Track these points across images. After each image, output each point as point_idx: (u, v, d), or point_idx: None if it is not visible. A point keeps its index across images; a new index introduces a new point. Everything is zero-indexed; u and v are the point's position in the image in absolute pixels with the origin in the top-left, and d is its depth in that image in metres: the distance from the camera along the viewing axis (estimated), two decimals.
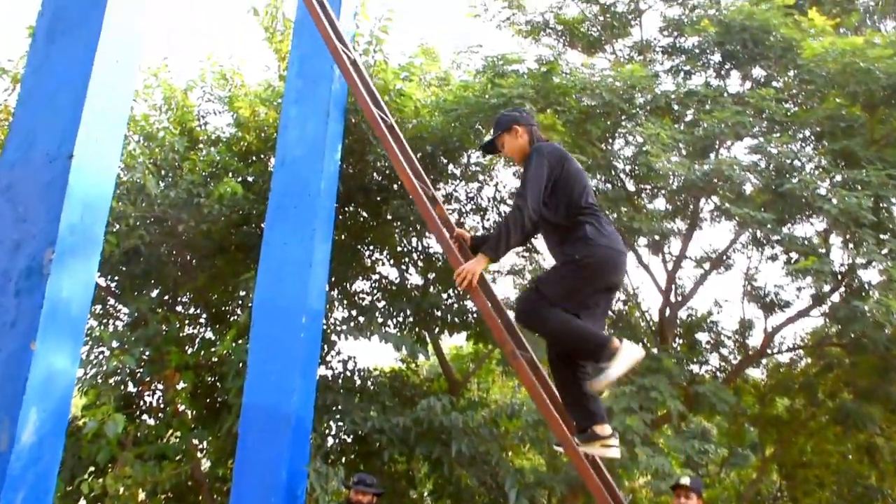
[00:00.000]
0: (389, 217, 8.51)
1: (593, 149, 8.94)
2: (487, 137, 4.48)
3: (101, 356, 7.94)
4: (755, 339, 10.56)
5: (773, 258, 9.64)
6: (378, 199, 8.59)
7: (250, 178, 8.30)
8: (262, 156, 8.54)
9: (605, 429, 3.53)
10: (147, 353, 7.82)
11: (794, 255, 8.66)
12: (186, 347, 8.53)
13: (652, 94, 8.86)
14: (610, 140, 9.48)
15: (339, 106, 6.24)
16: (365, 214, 9.07)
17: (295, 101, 6.25)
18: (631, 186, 9.59)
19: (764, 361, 11.25)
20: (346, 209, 8.81)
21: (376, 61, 7.81)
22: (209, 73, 9.01)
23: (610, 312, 10.41)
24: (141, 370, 8.02)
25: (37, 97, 3.76)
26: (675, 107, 9.11)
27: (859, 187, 7.64)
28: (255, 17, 8.12)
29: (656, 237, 9.17)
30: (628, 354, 3.47)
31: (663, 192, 9.54)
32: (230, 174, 8.08)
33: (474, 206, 9.41)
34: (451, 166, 8.91)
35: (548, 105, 8.34)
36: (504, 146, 4.12)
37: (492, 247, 3.66)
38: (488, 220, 9.41)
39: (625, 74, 8.53)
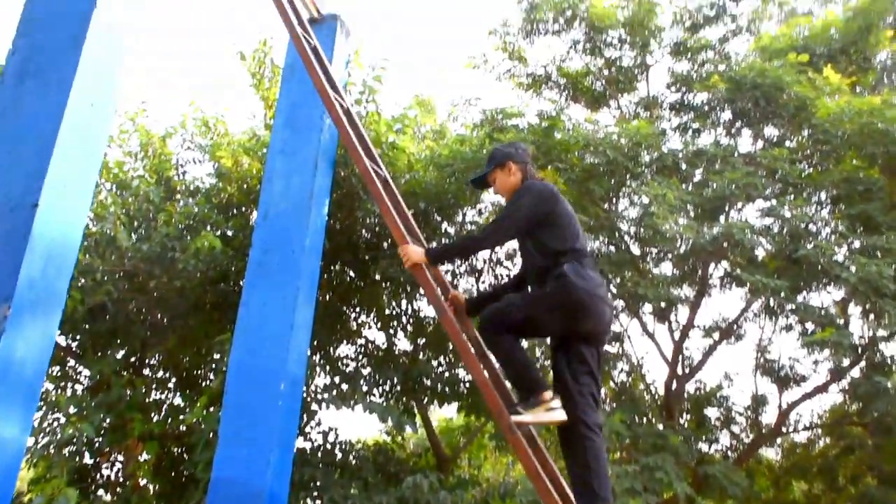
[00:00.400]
0: (378, 277, 8.44)
1: (596, 209, 8.96)
2: (479, 171, 4.49)
3: (55, 423, 7.74)
4: (769, 416, 10.45)
5: (788, 328, 9.59)
6: (367, 258, 8.53)
7: (230, 233, 8.24)
8: (244, 209, 8.49)
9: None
10: (108, 420, 7.62)
11: (809, 326, 8.62)
12: (152, 415, 8.33)
13: (658, 152, 8.92)
14: (614, 200, 9.51)
15: (327, 158, 6.21)
16: (352, 274, 9.00)
17: (281, 151, 6.21)
18: (636, 249, 9.58)
19: (779, 441, 11.11)
20: (332, 268, 8.73)
21: (369, 112, 7.83)
22: (190, 119, 9.03)
23: (612, 384, 10.36)
24: (100, 439, 7.80)
25: (2, 143, 3.70)
26: (683, 166, 9.18)
27: (879, 254, 7.65)
28: (242, 63, 8.17)
29: (662, 304, 9.13)
30: (548, 415, 3.58)
31: (670, 256, 9.53)
32: (208, 227, 8.01)
33: (469, 267, 9.35)
34: (445, 224, 8.88)
35: (549, 162, 8.37)
36: (495, 182, 4.16)
37: (436, 252, 3.95)
38: (483, 282, 9.35)
39: (630, 131, 8.60)
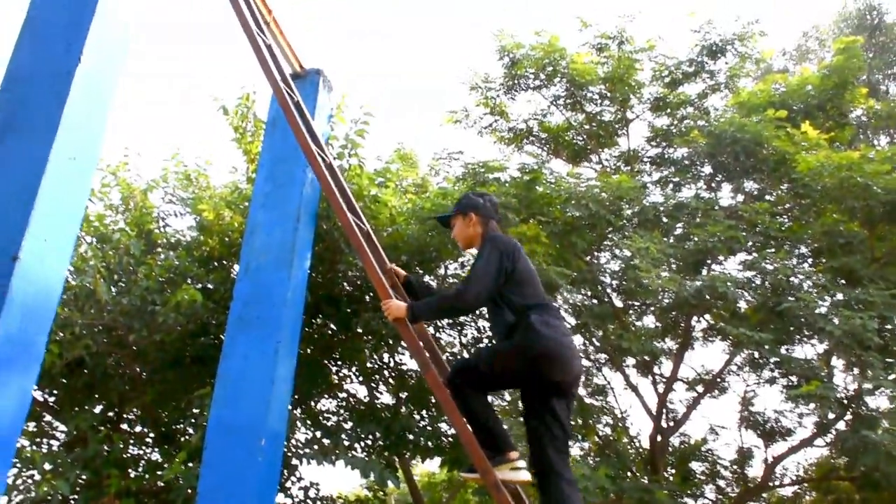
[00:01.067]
0: (360, 331, 8.42)
1: (578, 261, 9.02)
2: (446, 212, 4.65)
3: (30, 481, 7.58)
4: (755, 470, 10.43)
5: (772, 381, 9.61)
6: (348, 310, 8.51)
7: (210, 286, 8.20)
8: (225, 262, 8.47)
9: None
10: (84, 476, 7.47)
11: (794, 379, 8.64)
12: (129, 470, 8.18)
13: (640, 205, 9.02)
14: (596, 253, 9.58)
15: (309, 211, 6.24)
16: (333, 327, 8.96)
17: (263, 205, 6.24)
18: (618, 302, 9.62)
19: (765, 495, 11.03)
20: (314, 321, 8.70)
21: (351, 165, 7.89)
22: (172, 173, 9.05)
23: (596, 437, 10.31)
24: (75, 497, 7.64)
25: None
26: (665, 219, 9.27)
27: (862, 307, 7.71)
28: (225, 117, 8.22)
29: (646, 357, 9.14)
30: (513, 474, 3.65)
31: (653, 309, 9.57)
32: (189, 280, 7.98)
33: (453, 321, 9.34)
34: (427, 277, 8.90)
35: (531, 215, 8.44)
36: (454, 227, 4.26)
37: (417, 310, 3.94)
38: (465, 335, 9.34)
39: (612, 185, 8.70)
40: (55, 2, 4.06)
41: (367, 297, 8.35)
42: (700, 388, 10.30)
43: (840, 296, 8.04)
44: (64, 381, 8.11)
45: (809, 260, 9.24)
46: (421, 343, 3.99)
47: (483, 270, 3.82)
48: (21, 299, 3.55)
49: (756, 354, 8.82)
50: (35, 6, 4.09)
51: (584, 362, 10.76)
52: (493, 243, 3.92)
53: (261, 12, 5.54)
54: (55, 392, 8.39)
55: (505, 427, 3.84)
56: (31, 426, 8.47)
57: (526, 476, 3.66)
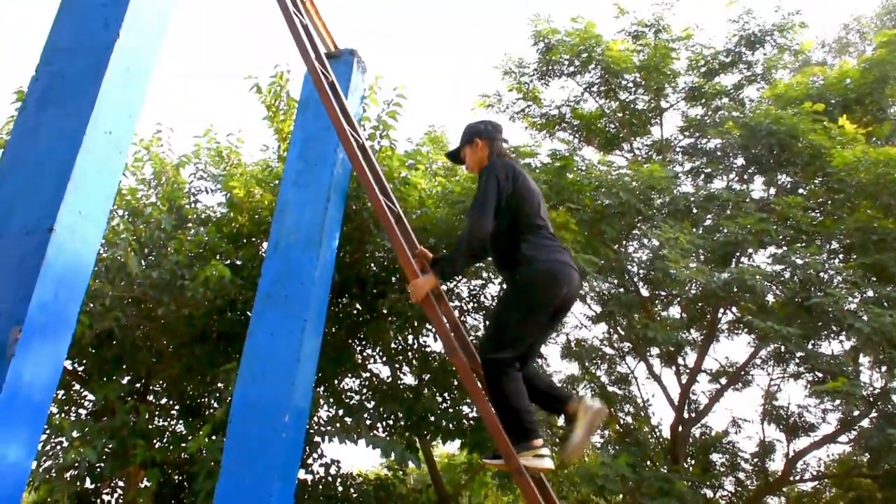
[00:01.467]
0: (385, 312, 8.46)
1: (607, 250, 8.97)
2: (452, 147, 4.70)
3: (58, 447, 7.73)
4: (776, 464, 10.37)
5: (797, 376, 9.54)
6: (374, 291, 8.55)
7: (239, 262, 8.28)
8: (254, 239, 8.54)
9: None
10: (110, 445, 7.61)
11: (819, 375, 8.57)
12: (155, 441, 8.32)
13: (671, 195, 8.95)
14: (624, 242, 9.53)
15: (339, 191, 6.27)
16: (359, 307, 9.01)
17: (294, 183, 6.27)
18: (645, 292, 9.58)
19: (785, 489, 10.98)
20: (340, 301, 8.76)
21: (382, 147, 7.90)
22: (204, 149, 9.12)
23: (618, 427, 10.30)
24: (102, 465, 7.78)
25: (20, 166, 3.75)
26: (695, 210, 9.20)
27: (892, 305, 7.61)
28: (258, 96, 8.26)
29: (670, 347, 9.10)
30: (537, 462, 3.68)
31: (679, 299, 9.52)
32: (218, 257, 8.06)
33: (476, 304, 9.36)
34: None
35: (561, 202, 8.41)
36: (466, 158, 4.39)
37: (442, 268, 4.02)
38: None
39: (643, 174, 8.63)
40: None
41: (394, 279, 8.38)
42: (723, 381, 10.25)
43: (870, 293, 7.94)
44: (93, 351, 8.25)
45: (840, 256, 9.12)
46: (447, 324, 4.00)
47: (483, 199, 3.94)
48: (55, 270, 3.61)
49: (782, 349, 8.76)
50: None
51: (609, 350, 10.76)
52: (490, 169, 4.04)
53: None
54: (84, 362, 8.53)
55: (532, 412, 3.84)
56: (61, 394, 8.63)
57: (549, 464, 3.69)
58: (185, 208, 8.78)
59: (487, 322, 3.65)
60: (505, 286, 4.04)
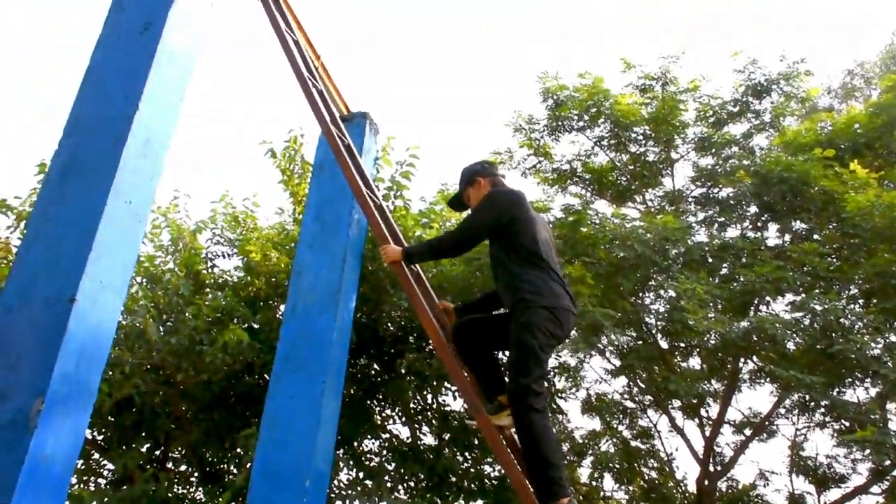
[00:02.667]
0: (403, 371, 8.42)
1: (624, 303, 8.94)
2: (454, 194, 4.80)
3: None
4: None
5: (823, 425, 9.38)
6: (392, 351, 8.53)
7: (256, 326, 8.29)
8: (272, 302, 8.57)
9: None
10: None
11: (846, 423, 8.43)
12: None
13: (685, 246, 8.94)
14: (641, 294, 9.49)
15: (355, 252, 6.30)
16: (377, 367, 8.98)
17: (310, 245, 6.32)
18: (664, 344, 9.50)
19: None
20: (357, 361, 8.73)
21: (396, 207, 7.97)
22: (220, 214, 9.21)
23: (642, 482, 10.13)
24: None
25: (43, 237, 3.80)
26: (710, 260, 9.17)
27: None
28: (273, 160, 8.37)
29: (692, 399, 8.99)
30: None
31: (699, 350, 9.44)
32: (235, 320, 8.08)
33: None
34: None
35: (576, 256, 8.41)
36: (469, 200, 4.52)
37: (411, 249, 4.29)
38: None
39: (657, 225, 8.64)
40: (116, 51, 4.22)
41: (411, 338, 8.36)
42: (748, 432, 10.08)
43: (893, 337, 7.84)
44: (112, 419, 8.22)
45: (860, 301, 9.04)
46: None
47: (471, 222, 4.21)
48: (77, 340, 3.63)
49: (806, 398, 8.63)
50: (97, 55, 4.24)
51: (630, 404, 10.64)
52: (490, 197, 4.22)
53: (310, 58, 5.66)
54: (104, 430, 8.49)
55: (563, 467, 3.81)
56: (80, 464, 8.57)
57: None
58: (202, 273, 8.83)
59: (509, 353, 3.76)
60: (511, 321, 4.00)
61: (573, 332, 9.07)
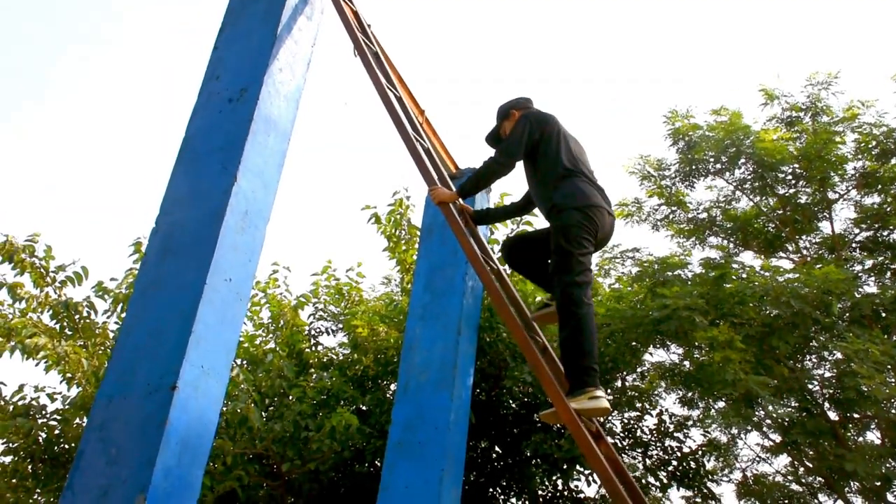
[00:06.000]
0: (529, 455, 8.32)
1: (781, 368, 8.61)
2: (490, 129, 5.30)
3: None
4: None
5: None
6: (515, 431, 8.46)
7: (365, 408, 8.39)
8: (381, 381, 8.67)
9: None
10: None
11: None
12: None
13: (852, 299, 8.59)
14: (801, 357, 9.14)
15: (471, 323, 6.32)
16: (499, 450, 8.91)
17: (421, 317, 6.38)
18: (834, 415, 9.08)
19: None
20: (477, 444, 8.69)
21: (512, 270, 7.98)
22: (323, 287, 9.45)
23: None
24: None
25: (142, 322, 3.97)
26: (883, 314, 8.77)
27: None
28: (377, 225, 8.57)
29: (875, 482, 8.52)
30: (594, 403, 4.02)
31: (877, 422, 8.97)
32: (343, 403, 8.19)
33: (633, 440, 9.09)
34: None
35: (721, 317, 8.20)
36: (506, 133, 5.07)
37: (462, 186, 4.81)
38: (650, 455, 9.04)
39: (815, 277, 8.34)
40: (211, 124, 4.43)
41: (536, 417, 8.28)
42: None
43: None
44: None
45: None
46: (609, 469, 3.90)
47: (508, 141, 4.75)
48: (179, 431, 3.75)
49: None
50: (191, 129, 4.47)
51: (796, 487, 10.17)
52: (524, 117, 4.80)
53: (414, 114, 5.80)
54: None
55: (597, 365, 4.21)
56: None
57: (605, 404, 4.03)
58: (305, 352, 9.03)
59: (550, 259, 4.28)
60: (545, 212, 4.71)
61: (721, 403, 8.81)
